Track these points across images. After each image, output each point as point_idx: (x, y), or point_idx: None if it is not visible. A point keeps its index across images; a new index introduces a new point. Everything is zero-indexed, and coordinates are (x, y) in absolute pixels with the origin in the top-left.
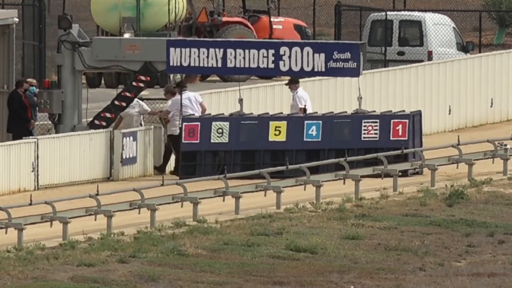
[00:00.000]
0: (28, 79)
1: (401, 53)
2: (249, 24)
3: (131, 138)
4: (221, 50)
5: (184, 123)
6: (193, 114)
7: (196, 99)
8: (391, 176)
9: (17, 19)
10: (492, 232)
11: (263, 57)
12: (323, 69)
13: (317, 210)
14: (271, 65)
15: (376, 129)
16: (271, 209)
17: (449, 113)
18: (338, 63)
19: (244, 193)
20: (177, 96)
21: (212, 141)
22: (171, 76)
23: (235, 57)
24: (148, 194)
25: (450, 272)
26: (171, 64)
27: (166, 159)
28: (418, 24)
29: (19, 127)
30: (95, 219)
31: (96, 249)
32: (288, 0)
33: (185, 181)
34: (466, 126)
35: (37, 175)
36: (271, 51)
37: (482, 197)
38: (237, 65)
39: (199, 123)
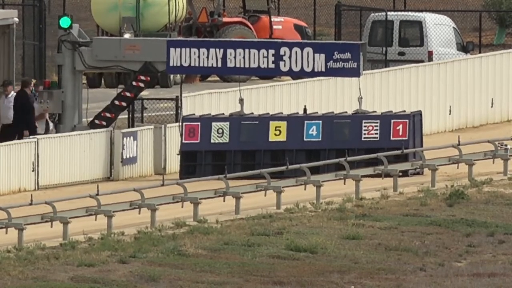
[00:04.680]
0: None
1: (401, 53)
2: (249, 24)
3: (131, 138)
4: (221, 50)
5: (184, 123)
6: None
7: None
8: (392, 176)
9: (17, 19)
10: (492, 232)
11: (263, 57)
12: (323, 69)
13: (317, 210)
14: (271, 65)
15: (377, 129)
16: (271, 209)
17: (450, 113)
18: (338, 63)
19: (245, 193)
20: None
21: (212, 141)
22: (171, 76)
23: (235, 57)
24: (148, 194)
25: (451, 272)
26: (171, 64)
27: None
28: (419, 24)
29: (23, 127)
30: (96, 219)
31: (96, 249)
32: (288, 0)
33: (186, 181)
34: (466, 126)
35: (38, 175)
36: (271, 51)
37: (483, 197)
38: (237, 65)
39: (199, 123)
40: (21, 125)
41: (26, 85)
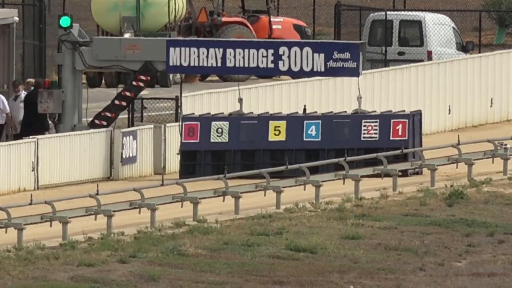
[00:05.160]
0: (29, 79)
1: (401, 53)
2: (248, 24)
3: (131, 137)
4: (221, 50)
5: (184, 123)
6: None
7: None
8: (391, 176)
9: (17, 19)
10: (492, 232)
11: (263, 56)
12: (323, 69)
13: (317, 210)
14: (271, 65)
15: (376, 129)
16: (271, 209)
17: (449, 113)
18: (337, 62)
19: (244, 193)
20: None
21: (212, 140)
22: (171, 75)
23: (234, 57)
24: (148, 194)
25: (450, 272)
26: (171, 64)
27: None
28: (418, 24)
29: (36, 127)
30: (95, 219)
31: (96, 249)
32: (287, 0)
33: (185, 181)
34: (466, 126)
35: (37, 175)
36: (271, 51)
37: (482, 197)
38: (237, 65)
39: (198, 123)
40: (35, 124)
41: (40, 86)
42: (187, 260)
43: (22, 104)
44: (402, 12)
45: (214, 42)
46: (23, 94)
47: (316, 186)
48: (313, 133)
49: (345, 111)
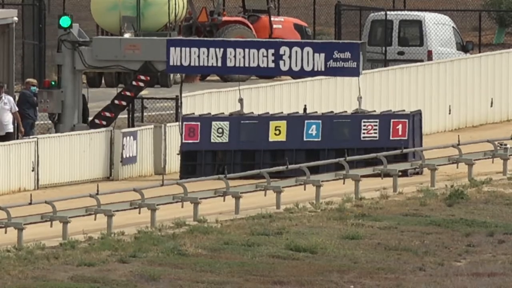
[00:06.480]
0: (29, 79)
1: (401, 53)
2: (249, 24)
3: (131, 137)
4: (221, 49)
5: (184, 123)
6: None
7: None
8: (391, 176)
9: (17, 19)
10: (492, 232)
11: (263, 56)
12: (323, 69)
13: (317, 210)
14: (271, 65)
15: (376, 129)
16: (271, 209)
17: (449, 113)
18: (338, 62)
19: (244, 193)
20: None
21: (212, 140)
22: (171, 75)
23: (235, 57)
24: (148, 194)
25: (450, 271)
26: (171, 63)
27: None
28: (418, 23)
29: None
30: (95, 219)
31: (96, 248)
32: (288, 0)
33: (186, 181)
34: (466, 126)
35: (37, 175)
36: (271, 51)
37: (482, 197)
38: (237, 65)
39: (199, 123)
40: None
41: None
42: (187, 260)
43: (6, 106)
44: (402, 12)
45: (215, 42)
46: (4, 96)
47: (316, 186)
48: (314, 133)
49: (345, 111)
